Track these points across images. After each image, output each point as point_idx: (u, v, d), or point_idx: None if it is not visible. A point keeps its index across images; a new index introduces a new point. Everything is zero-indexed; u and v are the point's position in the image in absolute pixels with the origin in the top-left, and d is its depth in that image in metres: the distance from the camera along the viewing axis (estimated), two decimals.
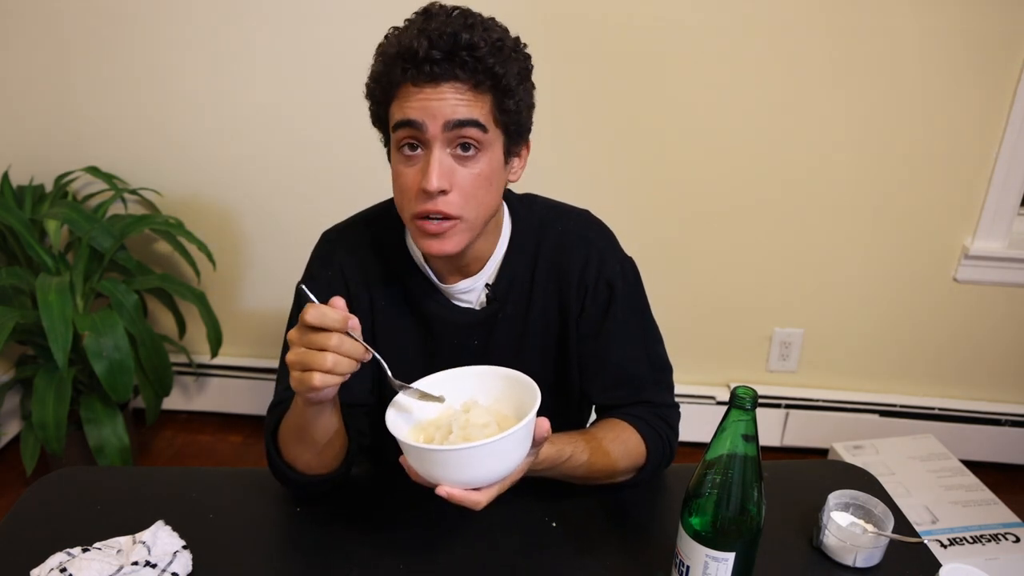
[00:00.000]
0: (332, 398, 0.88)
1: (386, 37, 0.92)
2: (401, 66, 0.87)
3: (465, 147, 0.89)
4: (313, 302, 0.80)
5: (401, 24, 0.92)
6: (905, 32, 1.84)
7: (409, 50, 0.86)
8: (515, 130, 0.94)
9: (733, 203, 2.06)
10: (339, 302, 0.79)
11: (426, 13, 0.90)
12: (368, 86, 0.94)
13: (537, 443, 0.84)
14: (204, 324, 2.08)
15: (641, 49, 1.91)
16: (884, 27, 1.84)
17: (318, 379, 0.78)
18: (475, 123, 0.88)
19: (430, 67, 0.85)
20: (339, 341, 0.78)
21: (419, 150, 0.90)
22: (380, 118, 0.95)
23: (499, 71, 0.88)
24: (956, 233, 2.05)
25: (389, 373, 0.86)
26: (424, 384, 0.89)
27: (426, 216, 0.91)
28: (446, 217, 0.90)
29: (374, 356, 0.83)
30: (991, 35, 1.83)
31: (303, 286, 0.84)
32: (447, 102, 0.87)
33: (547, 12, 1.88)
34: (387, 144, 0.97)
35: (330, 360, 0.78)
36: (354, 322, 0.79)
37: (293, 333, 0.81)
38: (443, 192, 0.89)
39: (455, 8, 0.90)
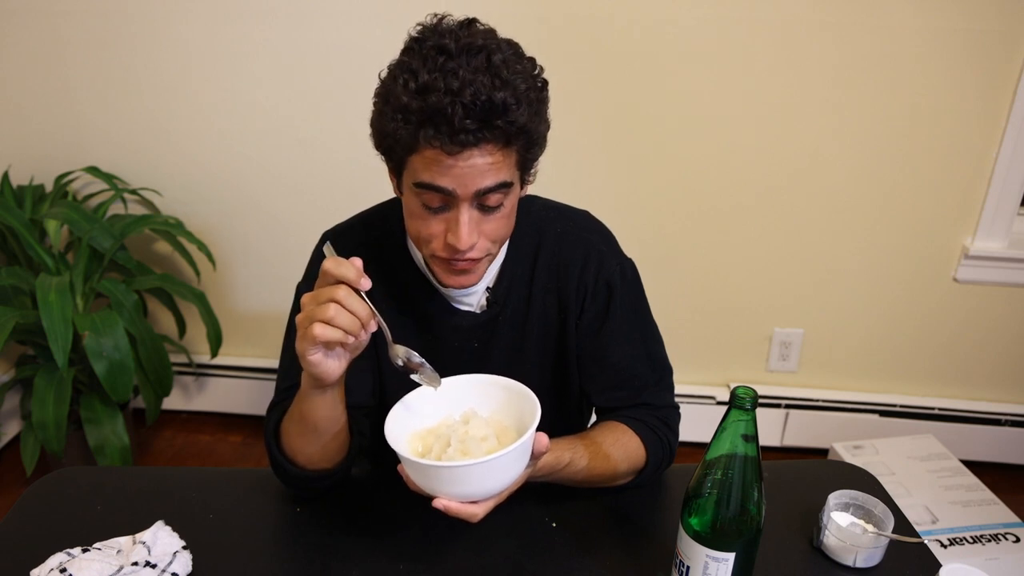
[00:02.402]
0: (336, 381, 0.87)
1: (396, 82, 0.83)
2: (432, 132, 0.81)
3: (492, 200, 0.88)
4: (332, 255, 0.82)
5: (403, 57, 0.84)
6: (905, 32, 1.84)
7: (441, 115, 0.79)
8: (531, 164, 0.93)
9: (733, 203, 2.06)
10: (357, 262, 0.80)
11: (443, 52, 0.81)
12: (379, 131, 0.88)
13: (535, 457, 0.84)
14: (204, 324, 2.08)
15: (640, 48, 1.91)
16: (884, 27, 1.84)
17: (318, 328, 0.79)
18: (504, 185, 0.87)
19: (464, 136, 0.80)
20: (346, 293, 0.79)
21: (442, 203, 0.87)
22: (391, 158, 0.90)
23: (530, 127, 0.85)
24: (956, 233, 2.05)
25: (390, 338, 0.86)
26: (425, 376, 0.89)
27: (452, 259, 0.91)
28: (471, 260, 0.91)
29: (379, 326, 0.83)
30: (991, 35, 1.83)
31: (326, 245, 0.86)
32: (477, 168, 0.83)
33: (545, 11, 1.88)
34: (392, 170, 0.93)
35: (332, 309, 0.78)
36: (366, 283, 0.80)
37: (306, 295, 0.82)
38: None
39: (470, 45, 0.81)
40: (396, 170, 0.91)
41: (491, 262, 0.97)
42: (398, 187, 0.94)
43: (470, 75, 0.80)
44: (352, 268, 0.79)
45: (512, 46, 0.86)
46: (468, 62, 0.80)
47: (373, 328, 0.82)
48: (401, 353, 0.88)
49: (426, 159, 0.84)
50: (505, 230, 0.93)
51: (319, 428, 0.92)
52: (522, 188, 0.95)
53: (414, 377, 0.89)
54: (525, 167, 0.92)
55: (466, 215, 0.86)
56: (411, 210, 0.91)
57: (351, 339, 0.81)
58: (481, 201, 0.87)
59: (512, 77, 0.82)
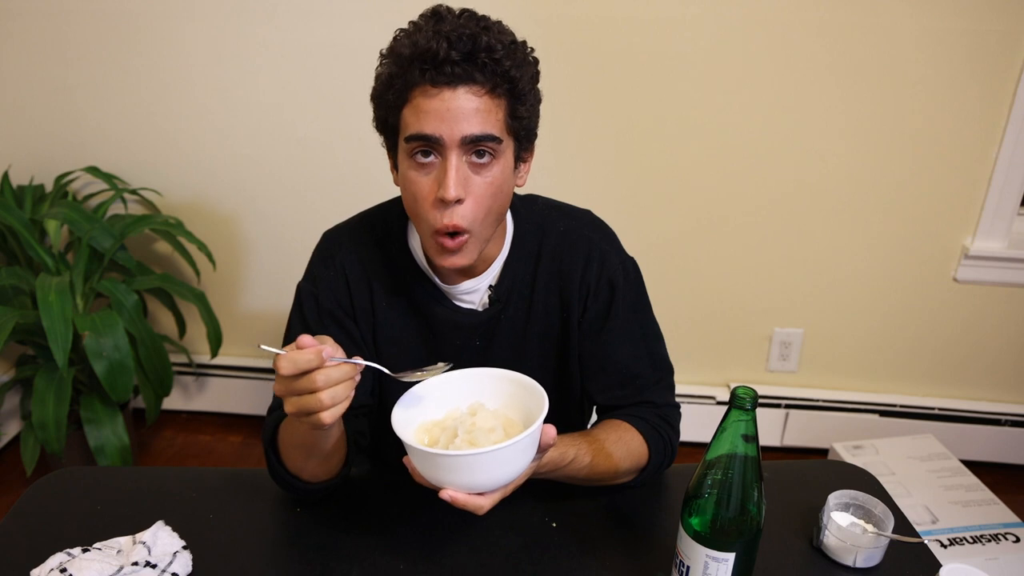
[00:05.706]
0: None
1: (394, 40, 0.90)
2: (419, 67, 0.85)
3: (480, 154, 0.89)
4: (280, 354, 0.76)
5: (405, 27, 0.91)
6: (905, 32, 1.84)
7: (428, 51, 0.84)
8: (524, 136, 0.94)
9: (733, 203, 2.06)
10: (306, 339, 0.76)
11: (435, 16, 0.88)
12: (376, 90, 0.92)
13: (542, 449, 0.84)
14: (204, 324, 2.08)
15: (641, 50, 1.91)
16: (884, 27, 1.84)
17: (327, 416, 0.76)
18: (491, 138, 0.88)
19: (450, 68, 0.84)
20: (325, 377, 0.75)
21: (433, 156, 0.89)
22: (388, 124, 0.93)
23: (515, 75, 0.88)
24: (956, 233, 2.05)
25: (388, 372, 0.86)
26: (429, 377, 0.88)
27: (444, 232, 0.90)
28: (457, 231, 0.90)
29: (370, 363, 0.81)
30: (991, 35, 1.83)
31: (262, 346, 0.80)
32: (463, 110, 0.86)
33: (546, 12, 1.88)
34: (391, 149, 0.96)
35: (326, 397, 0.75)
36: (329, 350, 0.75)
37: (278, 386, 0.77)
38: (459, 201, 0.89)
39: (464, 10, 0.89)
40: (392, 146, 0.94)
41: (481, 246, 0.95)
42: (395, 166, 0.95)
43: (457, 22, 0.87)
44: (307, 356, 0.74)
45: (510, 31, 0.91)
46: (458, 17, 0.88)
47: (361, 369, 0.79)
48: (406, 378, 0.86)
49: (415, 108, 0.87)
50: (494, 201, 0.92)
51: (323, 452, 0.92)
52: (516, 167, 0.96)
53: (420, 374, 0.88)
54: (517, 134, 0.93)
55: (454, 162, 0.87)
56: (406, 182, 0.92)
57: (354, 393, 0.79)
58: (469, 152, 0.88)
59: (498, 30, 0.89)
